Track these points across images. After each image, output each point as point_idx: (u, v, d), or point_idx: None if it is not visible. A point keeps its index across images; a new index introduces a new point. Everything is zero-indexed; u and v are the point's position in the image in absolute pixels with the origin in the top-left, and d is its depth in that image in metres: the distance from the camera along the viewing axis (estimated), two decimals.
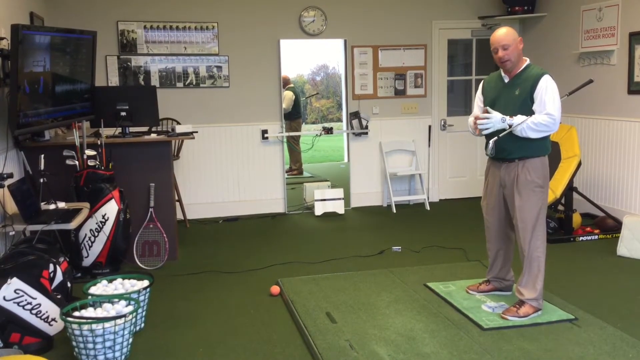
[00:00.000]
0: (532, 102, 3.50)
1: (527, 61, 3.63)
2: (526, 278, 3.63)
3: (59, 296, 3.51)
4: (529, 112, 3.50)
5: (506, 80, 3.65)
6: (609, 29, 5.85)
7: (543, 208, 3.61)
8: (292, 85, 9.75)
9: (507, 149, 3.58)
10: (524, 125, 3.44)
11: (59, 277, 3.60)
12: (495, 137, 3.55)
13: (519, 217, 3.60)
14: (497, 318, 3.59)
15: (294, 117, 9.22)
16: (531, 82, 3.51)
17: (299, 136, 9.22)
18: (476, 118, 3.62)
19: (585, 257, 4.90)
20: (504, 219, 3.80)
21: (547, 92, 3.45)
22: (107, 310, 3.26)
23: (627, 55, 5.64)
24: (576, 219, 5.56)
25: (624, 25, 5.67)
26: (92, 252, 4.53)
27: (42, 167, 4.25)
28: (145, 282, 3.73)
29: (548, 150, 3.62)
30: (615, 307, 3.80)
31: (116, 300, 3.37)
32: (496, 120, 3.50)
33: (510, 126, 3.47)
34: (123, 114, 4.99)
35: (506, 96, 3.62)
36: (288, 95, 9.24)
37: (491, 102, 3.69)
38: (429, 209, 6.92)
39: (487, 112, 3.58)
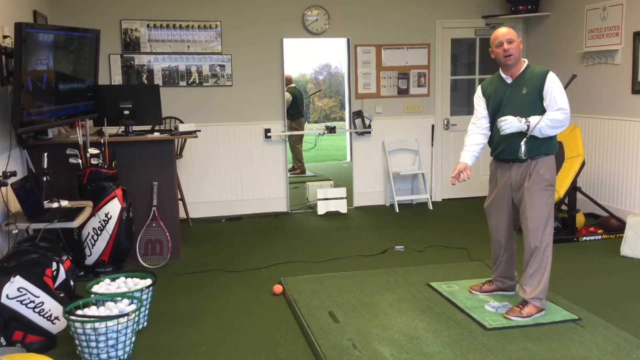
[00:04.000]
0: (542, 99, 3.51)
1: (526, 62, 3.64)
2: (531, 277, 3.61)
3: (62, 294, 3.51)
4: (540, 110, 3.50)
5: (509, 81, 3.63)
6: (613, 29, 5.83)
7: (552, 207, 3.61)
8: (293, 85, 9.74)
9: (519, 150, 3.55)
10: (542, 124, 3.44)
11: (62, 275, 3.60)
12: (525, 139, 3.48)
13: (530, 217, 3.57)
14: (501, 318, 3.58)
15: (295, 116, 9.19)
16: (538, 80, 3.51)
17: (302, 135, 9.21)
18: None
19: (589, 257, 4.89)
20: (510, 220, 3.79)
21: (556, 88, 3.48)
22: (110, 308, 3.27)
23: (631, 55, 5.63)
24: (580, 219, 5.54)
25: (628, 24, 5.66)
26: (95, 250, 4.53)
27: (45, 165, 4.25)
28: (148, 281, 3.74)
29: (556, 148, 3.64)
30: (618, 308, 3.79)
31: (119, 298, 3.37)
32: (513, 120, 3.47)
33: (528, 127, 3.46)
34: (126, 112, 5.00)
35: (514, 96, 3.59)
36: (285, 96, 9.21)
37: (497, 104, 3.66)
38: (431, 208, 6.91)
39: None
